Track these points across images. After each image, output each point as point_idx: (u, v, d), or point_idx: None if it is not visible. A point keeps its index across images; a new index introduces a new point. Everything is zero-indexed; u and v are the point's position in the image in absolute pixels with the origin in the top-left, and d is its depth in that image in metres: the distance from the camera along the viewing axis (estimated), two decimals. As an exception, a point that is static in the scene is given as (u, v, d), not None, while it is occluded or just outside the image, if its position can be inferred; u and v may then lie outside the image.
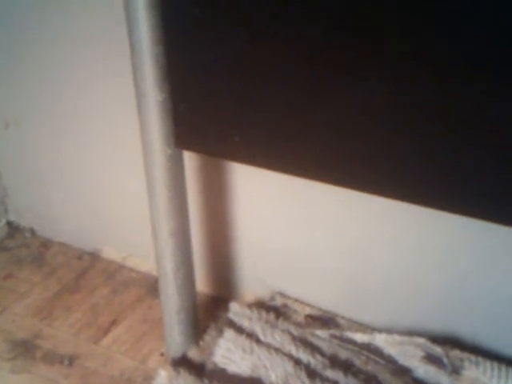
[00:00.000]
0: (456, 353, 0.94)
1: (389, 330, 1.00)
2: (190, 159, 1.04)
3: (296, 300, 1.09)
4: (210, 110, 0.83)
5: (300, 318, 1.05)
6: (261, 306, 1.07)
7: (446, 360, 0.93)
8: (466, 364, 0.92)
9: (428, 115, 0.71)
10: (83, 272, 1.25)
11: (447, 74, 0.68)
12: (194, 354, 1.01)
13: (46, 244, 1.33)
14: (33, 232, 1.35)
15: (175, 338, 1.02)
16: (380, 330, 1.01)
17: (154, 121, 0.84)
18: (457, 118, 0.69)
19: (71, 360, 1.05)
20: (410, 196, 0.77)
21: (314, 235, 1.04)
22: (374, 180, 0.79)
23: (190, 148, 0.88)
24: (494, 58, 0.65)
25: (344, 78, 0.72)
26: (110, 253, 1.28)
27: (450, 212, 0.77)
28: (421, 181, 0.75)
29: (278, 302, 1.08)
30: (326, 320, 1.05)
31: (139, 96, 0.83)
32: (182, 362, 1.00)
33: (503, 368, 0.92)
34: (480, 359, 0.93)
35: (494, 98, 0.67)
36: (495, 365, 0.92)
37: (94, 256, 1.29)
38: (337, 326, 1.04)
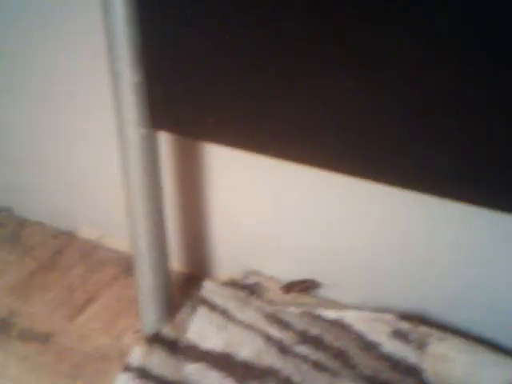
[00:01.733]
0: (423, 329, 0.97)
1: (358, 307, 1.02)
2: (166, 140, 1.05)
3: (269, 278, 1.11)
4: (184, 92, 0.84)
5: (272, 295, 1.07)
6: (234, 284, 1.09)
7: (412, 335, 0.96)
8: (433, 339, 0.95)
9: (400, 96, 0.73)
10: (59, 251, 1.26)
11: (415, 54, 0.69)
12: (168, 330, 1.02)
13: (23, 223, 1.33)
14: (9, 211, 1.36)
15: (150, 316, 1.03)
16: (350, 307, 1.03)
17: (128, 101, 0.85)
18: (423, 101, 0.72)
19: (47, 337, 1.06)
20: (382, 176, 0.79)
21: (287, 214, 1.06)
22: (346, 160, 0.80)
23: (164, 128, 0.89)
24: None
25: (316, 60, 0.74)
26: (86, 232, 1.29)
27: (419, 192, 0.79)
28: (387, 160, 0.77)
29: (251, 280, 1.10)
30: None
31: (114, 77, 0.84)
32: (157, 339, 1.01)
33: (468, 343, 0.94)
34: (446, 335, 0.96)
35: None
36: (461, 340, 0.95)
37: (71, 235, 1.30)
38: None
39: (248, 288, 1.08)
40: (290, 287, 1.09)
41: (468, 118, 0.70)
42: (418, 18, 0.67)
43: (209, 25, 0.77)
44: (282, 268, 1.11)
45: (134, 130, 0.87)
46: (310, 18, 0.72)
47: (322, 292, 1.09)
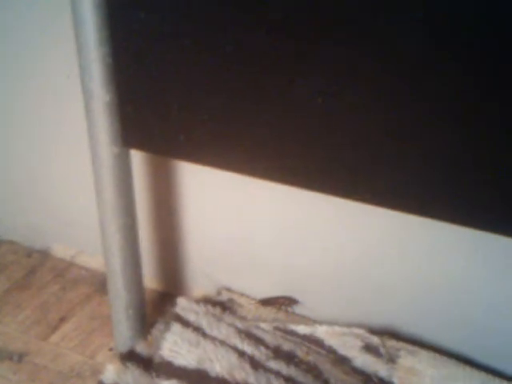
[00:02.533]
0: (392, 343, 0.98)
1: (330, 322, 1.03)
2: (138, 157, 1.06)
3: (242, 294, 1.12)
4: (156, 111, 0.85)
5: (245, 311, 1.08)
6: (208, 300, 1.10)
7: (382, 349, 0.97)
8: (402, 353, 0.97)
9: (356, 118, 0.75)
10: (33, 270, 1.26)
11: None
12: (141, 348, 1.03)
13: (-4, 242, 1.33)
14: (-18, 231, 1.35)
15: (123, 333, 1.04)
16: (321, 322, 1.04)
17: (101, 120, 0.86)
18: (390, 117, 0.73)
19: (20, 356, 1.06)
20: (346, 192, 0.81)
21: (260, 231, 1.07)
22: (312, 176, 0.82)
23: (136, 147, 0.90)
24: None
25: (280, 80, 0.76)
26: (60, 251, 1.29)
27: (383, 207, 0.80)
28: (350, 176, 0.79)
29: (225, 296, 1.11)
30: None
31: (86, 96, 0.85)
32: (130, 357, 1.02)
33: (438, 357, 0.96)
34: (416, 349, 0.97)
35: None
36: (430, 354, 0.96)
37: (44, 254, 1.30)
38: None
39: (221, 304, 1.09)
40: (267, 303, 1.10)
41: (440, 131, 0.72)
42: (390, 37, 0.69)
43: (179, 44, 0.79)
44: (256, 285, 1.12)
45: (107, 148, 0.88)
46: (279, 38, 0.73)
47: (295, 308, 1.10)
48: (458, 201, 0.75)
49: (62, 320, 1.14)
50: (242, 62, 0.76)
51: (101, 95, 0.84)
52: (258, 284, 1.12)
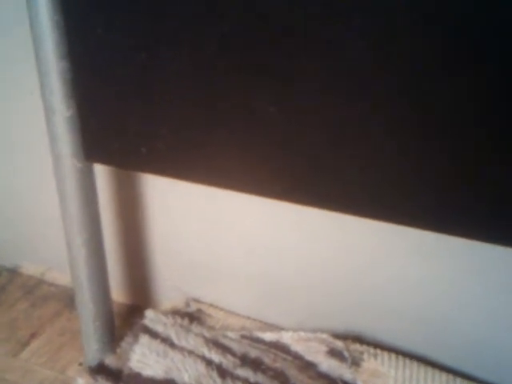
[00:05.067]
0: (356, 346, 1.00)
1: (295, 329, 1.05)
2: (103, 170, 1.07)
3: (210, 305, 1.13)
4: (117, 125, 0.86)
5: (214, 322, 1.09)
6: (176, 312, 1.11)
7: (346, 353, 0.98)
8: (366, 356, 0.98)
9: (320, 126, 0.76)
10: (2, 288, 1.26)
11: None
12: (110, 361, 1.03)
13: (-35, 262, 1.33)
14: (-49, 251, 1.35)
15: (92, 346, 1.04)
16: (287, 329, 1.06)
17: (62, 135, 0.87)
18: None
19: (-10, 374, 1.07)
20: (312, 199, 0.82)
21: (229, 242, 1.08)
22: (275, 186, 0.83)
23: (99, 161, 0.91)
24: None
25: (235, 91, 0.77)
26: (29, 268, 1.29)
27: (350, 214, 0.82)
28: (317, 184, 0.80)
29: (193, 307, 1.12)
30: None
31: (48, 111, 0.86)
32: (100, 370, 1.02)
33: (400, 359, 0.98)
34: (378, 351, 0.99)
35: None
36: (392, 356, 0.98)
37: (13, 272, 1.30)
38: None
39: (189, 315, 1.10)
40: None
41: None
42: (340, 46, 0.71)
43: (136, 58, 0.80)
44: (226, 297, 1.13)
45: (69, 163, 0.89)
46: (230, 50, 0.75)
47: (261, 317, 1.11)
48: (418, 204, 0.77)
49: (32, 336, 1.15)
50: (198, 74, 0.78)
51: (62, 110, 0.85)
52: (227, 296, 1.13)
